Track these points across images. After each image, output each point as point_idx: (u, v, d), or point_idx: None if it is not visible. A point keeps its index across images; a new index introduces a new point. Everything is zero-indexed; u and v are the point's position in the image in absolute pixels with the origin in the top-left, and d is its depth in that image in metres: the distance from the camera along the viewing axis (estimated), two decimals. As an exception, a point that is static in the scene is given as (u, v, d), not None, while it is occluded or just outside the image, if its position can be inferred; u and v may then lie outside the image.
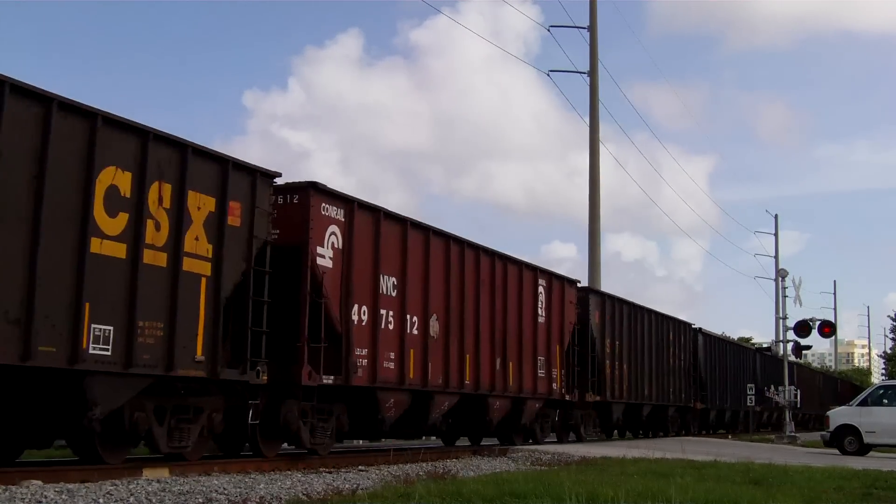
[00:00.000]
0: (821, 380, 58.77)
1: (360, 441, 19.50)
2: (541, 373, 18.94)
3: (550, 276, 19.74)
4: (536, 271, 19.07)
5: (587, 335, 21.87)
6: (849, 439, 22.87)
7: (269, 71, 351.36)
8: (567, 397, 20.53)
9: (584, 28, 33.02)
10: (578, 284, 21.75)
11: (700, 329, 32.14)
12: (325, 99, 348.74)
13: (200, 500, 7.89)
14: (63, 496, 7.42)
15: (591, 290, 23.12)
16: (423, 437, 19.68)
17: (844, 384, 66.36)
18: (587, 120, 32.46)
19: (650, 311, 26.61)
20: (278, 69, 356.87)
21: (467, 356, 16.01)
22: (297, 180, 12.41)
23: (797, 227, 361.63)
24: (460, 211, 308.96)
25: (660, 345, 27.06)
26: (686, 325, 30.57)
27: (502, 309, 17.32)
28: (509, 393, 17.61)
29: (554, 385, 19.59)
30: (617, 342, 23.46)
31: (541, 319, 19.01)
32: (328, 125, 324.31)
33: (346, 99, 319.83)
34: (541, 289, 19.11)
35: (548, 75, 34.23)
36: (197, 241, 10.47)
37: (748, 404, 35.82)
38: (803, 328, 32.28)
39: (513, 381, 17.70)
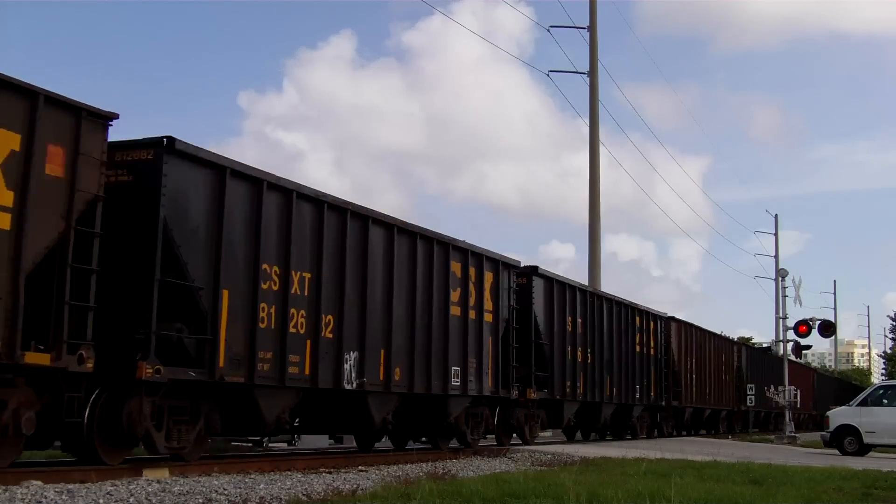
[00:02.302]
0: (834, 383, 58.81)
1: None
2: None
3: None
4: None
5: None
6: (849, 439, 22.90)
7: (264, 72, 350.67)
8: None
9: (583, 28, 33.03)
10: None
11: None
12: (319, 100, 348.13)
13: (200, 501, 7.91)
14: (63, 496, 7.42)
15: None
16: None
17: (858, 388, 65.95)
18: (587, 120, 32.55)
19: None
20: (273, 70, 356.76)
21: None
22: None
23: (797, 227, 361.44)
24: (454, 212, 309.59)
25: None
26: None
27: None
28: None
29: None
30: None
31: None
32: (322, 126, 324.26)
33: (339, 100, 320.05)
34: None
35: (547, 76, 34.34)
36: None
37: (748, 404, 36.28)
38: (803, 328, 32.28)
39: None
